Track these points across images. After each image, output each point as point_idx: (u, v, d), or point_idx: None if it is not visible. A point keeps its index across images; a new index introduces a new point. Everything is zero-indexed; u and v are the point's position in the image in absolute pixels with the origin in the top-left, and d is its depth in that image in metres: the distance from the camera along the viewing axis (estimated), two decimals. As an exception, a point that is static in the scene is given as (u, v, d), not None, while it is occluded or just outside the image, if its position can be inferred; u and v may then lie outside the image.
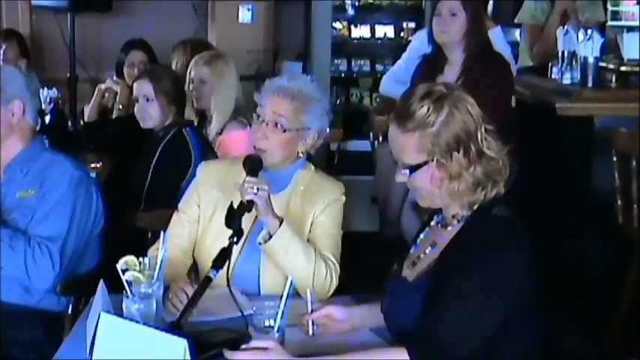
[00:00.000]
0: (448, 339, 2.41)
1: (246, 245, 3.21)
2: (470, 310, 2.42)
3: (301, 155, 3.35)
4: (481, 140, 2.54)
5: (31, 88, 3.59)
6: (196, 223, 3.36)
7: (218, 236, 3.12)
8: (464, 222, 2.59)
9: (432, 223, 2.73)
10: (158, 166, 4.50)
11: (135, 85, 4.72)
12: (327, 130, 3.42)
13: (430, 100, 2.53)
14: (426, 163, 2.54)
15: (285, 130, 3.23)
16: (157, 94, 4.61)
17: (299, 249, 3.15)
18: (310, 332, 2.80)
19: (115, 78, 5.99)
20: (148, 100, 4.62)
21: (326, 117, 3.35)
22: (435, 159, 2.53)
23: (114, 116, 5.80)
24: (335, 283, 3.19)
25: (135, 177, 4.67)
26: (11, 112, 3.49)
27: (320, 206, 3.31)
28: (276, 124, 3.23)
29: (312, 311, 2.78)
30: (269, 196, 3.09)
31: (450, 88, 2.58)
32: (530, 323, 2.55)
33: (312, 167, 3.42)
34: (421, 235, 2.76)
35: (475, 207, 2.58)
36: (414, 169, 2.56)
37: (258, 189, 3.04)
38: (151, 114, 4.64)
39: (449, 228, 2.62)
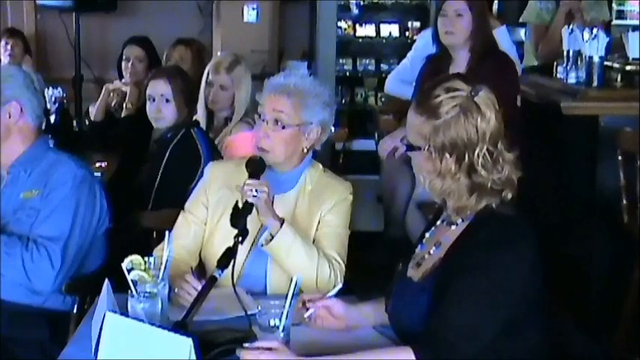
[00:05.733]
0: (453, 338, 2.41)
1: (255, 245, 3.22)
2: (475, 309, 2.42)
3: (305, 151, 3.35)
4: (477, 156, 2.52)
5: (30, 88, 3.55)
6: (203, 224, 3.37)
7: (227, 236, 3.11)
8: (469, 221, 2.59)
9: (438, 222, 2.73)
10: (168, 166, 4.50)
11: (150, 84, 4.68)
12: (332, 122, 3.41)
13: (447, 95, 2.53)
14: (420, 148, 2.56)
15: (284, 127, 3.24)
16: (175, 94, 4.58)
17: (301, 249, 3.16)
18: (306, 315, 2.81)
19: (123, 80, 6.01)
20: (166, 100, 4.60)
21: (327, 109, 3.34)
22: (428, 149, 2.54)
23: (123, 115, 5.81)
24: (340, 282, 3.19)
25: (143, 177, 4.68)
26: (7, 113, 3.47)
27: (327, 205, 3.32)
28: (276, 122, 3.24)
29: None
30: (269, 198, 3.10)
31: (475, 92, 2.54)
32: (537, 322, 2.55)
33: (320, 167, 3.43)
34: (427, 235, 2.75)
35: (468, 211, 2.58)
36: (410, 148, 2.60)
37: (257, 191, 3.04)
38: (166, 114, 4.60)
39: (453, 227, 2.62)
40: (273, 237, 3.14)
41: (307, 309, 2.83)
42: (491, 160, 2.52)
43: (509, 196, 2.56)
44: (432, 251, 2.66)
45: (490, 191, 2.54)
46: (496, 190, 2.54)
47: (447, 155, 2.52)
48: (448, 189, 2.56)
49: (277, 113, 3.24)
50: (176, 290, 2.97)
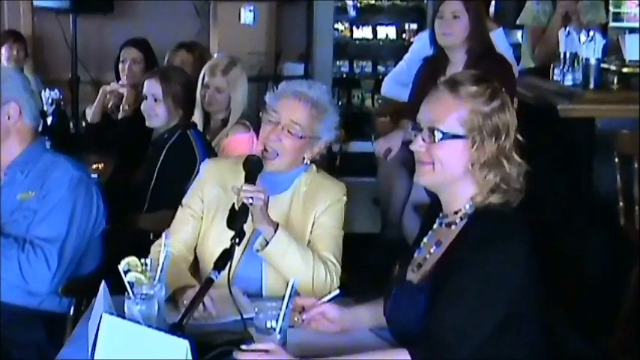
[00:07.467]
0: (450, 339, 2.41)
1: (249, 246, 3.21)
2: (468, 308, 2.42)
3: (306, 162, 3.35)
4: (512, 144, 2.56)
5: (28, 90, 3.56)
6: (200, 219, 3.36)
7: (220, 237, 3.11)
8: (466, 219, 2.58)
9: (435, 226, 2.72)
10: (163, 167, 4.51)
11: (145, 83, 4.73)
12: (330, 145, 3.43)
13: (487, 85, 2.57)
14: (462, 137, 2.53)
15: (301, 137, 3.23)
16: (165, 95, 4.61)
17: (296, 253, 3.15)
18: (301, 319, 2.81)
19: (120, 82, 6.01)
20: (156, 100, 4.63)
21: (334, 132, 3.35)
22: (474, 138, 2.53)
23: (120, 117, 5.81)
24: (336, 284, 3.19)
25: (139, 178, 4.68)
26: (7, 114, 3.47)
27: (321, 207, 3.32)
28: (290, 130, 3.22)
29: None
30: (265, 204, 3.09)
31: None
32: (534, 320, 2.55)
33: (314, 167, 3.42)
34: (424, 239, 2.74)
35: (478, 206, 2.57)
36: (448, 136, 2.54)
37: (253, 197, 3.03)
38: (157, 113, 4.64)
39: (453, 227, 2.61)
40: (267, 242, 3.14)
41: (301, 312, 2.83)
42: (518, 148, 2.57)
43: (516, 202, 2.57)
44: (432, 250, 2.65)
45: (512, 187, 2.55)
46: (517, 190, 2.56)
47: (492, 141, 2.52)
48: (488, 177, 2.53)
49: (294, 122, 3.22)
50: (184, 302, 2.94)
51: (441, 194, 2.66)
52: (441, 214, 2.69)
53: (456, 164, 2.55)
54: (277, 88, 3.33)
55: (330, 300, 2.88)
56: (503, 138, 2.53)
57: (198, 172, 3.54)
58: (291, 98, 3.25)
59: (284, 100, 3.26)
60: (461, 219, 2.60)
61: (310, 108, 3.24)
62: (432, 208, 2.76)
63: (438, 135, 2.53)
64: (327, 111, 3.29)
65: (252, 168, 3.16)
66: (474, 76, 2.61)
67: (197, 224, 3.36)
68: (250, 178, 3.11)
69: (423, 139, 2.57)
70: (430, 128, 2.56)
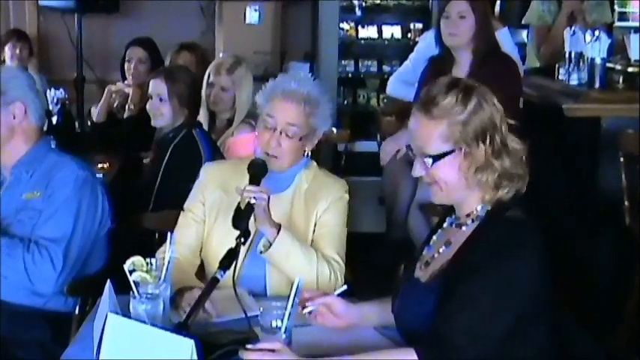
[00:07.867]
0: (457, 340, 2.40)
1: (253, 246, 3.22)
2: (480, 312, 2.41)
3: (308, 154, 3.35)
4: (504, 133, 2.56)
5: (33, 89, 3.56)
6: (203, 222, 3.36)
7: (224, 237, 3.12)
8: (478, 222, 2.59)
9: (445, 225, 2.72)
10: (168, 167, 4.51)
11: (151, 82, 4.73)
12: (334, 129, 3.42)
13: (458, 90, 2.54)
14: (451, 152, 2.54)
15: (300, 138, 3.24)
16: (170, 95, 4.61)
17: (299, 254, 3.16)
18: (308, 310, 2.80)
19: (126, 82, 6.01)
20: (161, 99, 4.63)
21: (330, 120, 3.36)
22: (461, 148, 2.53)
23: (125, 116, 5.82)
24: (340, 282, 3.19)
25: (144, 177, 4.68)
26: (12, 114, 3.47)
27: (323, 205, 3.32)
28: (287, 133, 3.23)
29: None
30: (268, 205, 3.09)
31: (473, 82, 2.60)
32: (543, 324, 2.54)
33: (315, 164, 3.43)
34: (434, 237, 2.74)
35: (490, 206, 2.57)
36: (438, 158, 2.55)
37: (256, 197, 3.03)
38: (163, 112, 4.65)
39: (463, 228, 2.61)
40: (271, 244, 3.14)
41: (305, 307, 2.82)
42: (512, 134, 2.57)
43: (524, 189, 2.58)
44: (441, 250, 2.65)
45: (514, 176, 2.56)
46: (520, 176, 2.56)
47: (482, 144, 2.52)
48: (491, 179, 2.54)
49: (291, 125, 3.22)
50: (184, 305, 2.94)
51: (455, 204, 2.67)
52: (453, 215, 2.70)
53: (457, 178, 2.57)
54: (265, 87, 3.33)
55: (337, 295, 2.88)
56: (489, 135, 2.53)
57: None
58: (282, 100, 3.25)
59: (276, 102, 3.26)
60: (472, 221, 2.60)
61: (304, 106, 3.24)
62: (445, 211, 2.76)
63: (428, 161, 2.56)
64: (319, 103, 3.28)
65: (257, 171, 3.16)
66: (445, 86, 2.58)
67: (200, 228, 3.36)
68: (255, 182, 3.12)
69: (423, 166, 2.60)
70: (421, 155, 2.59)
